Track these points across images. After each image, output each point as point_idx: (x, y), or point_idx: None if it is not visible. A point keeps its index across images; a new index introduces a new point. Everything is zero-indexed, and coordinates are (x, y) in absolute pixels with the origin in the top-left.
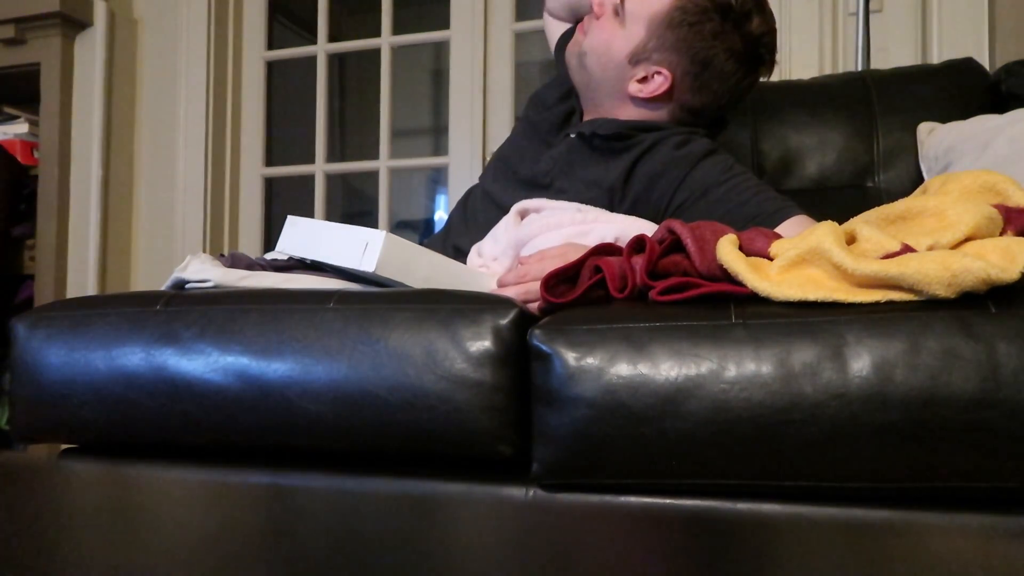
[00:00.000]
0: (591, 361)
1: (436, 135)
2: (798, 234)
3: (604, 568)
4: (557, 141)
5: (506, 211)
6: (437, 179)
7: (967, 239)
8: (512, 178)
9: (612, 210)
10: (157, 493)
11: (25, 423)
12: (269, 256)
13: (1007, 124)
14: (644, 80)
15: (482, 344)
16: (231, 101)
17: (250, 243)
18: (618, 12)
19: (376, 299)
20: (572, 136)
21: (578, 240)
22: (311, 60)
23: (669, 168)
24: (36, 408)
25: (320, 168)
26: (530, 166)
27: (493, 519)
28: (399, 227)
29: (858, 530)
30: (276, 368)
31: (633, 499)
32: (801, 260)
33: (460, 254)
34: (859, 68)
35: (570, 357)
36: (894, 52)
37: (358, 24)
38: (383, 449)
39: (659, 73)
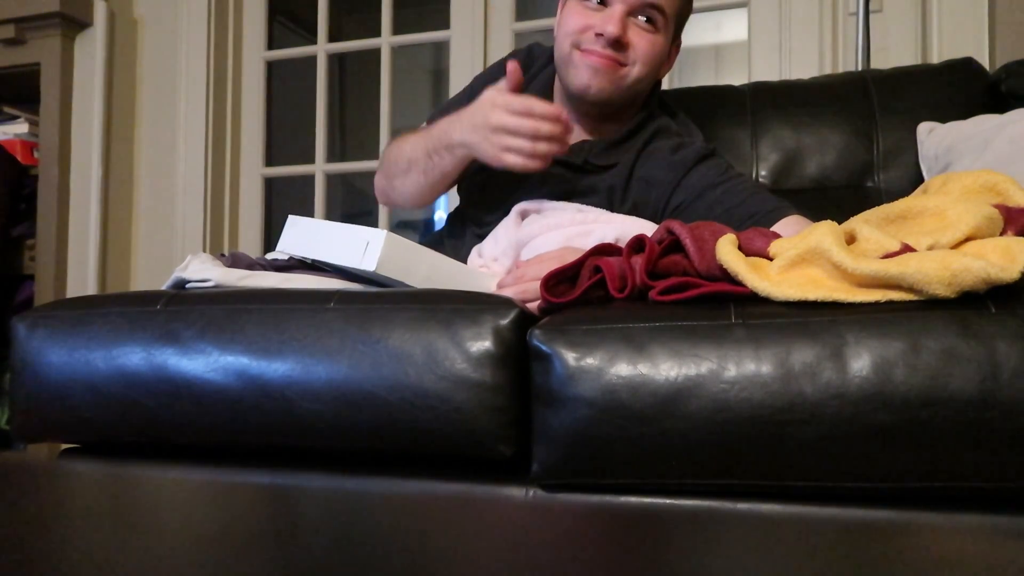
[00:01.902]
0: (591, 361)
1: None
2: (796, 233)
3: (604, 568)
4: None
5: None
6: None
7: (967, 239)
8: (504, 205)
9: (612, 211)
10: (157, 493)
11: (25, 423)
12: (270, 256)
13: (1007, 124)
14: (668, 57)
15: (482, 344)
16: (231, 101)
17: (250, 243)
18: (655, 27)
19: (376, 299)
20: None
21: (579, 240)
22: (311, 60)
23: (665, 172)
24: (36, 408)
25: (320, 168)
26: (520, 192)
27: (493, 519)
28: (399, 227)
29: (858, 530)
30: (276, 368)
31: (633, 499)
32: (801, 260)
33: None
34: (859, 68)
35: (570, 357)
36: (894, 52)
37: (358, 24)
38: (383, 449)
39: (675, 46)
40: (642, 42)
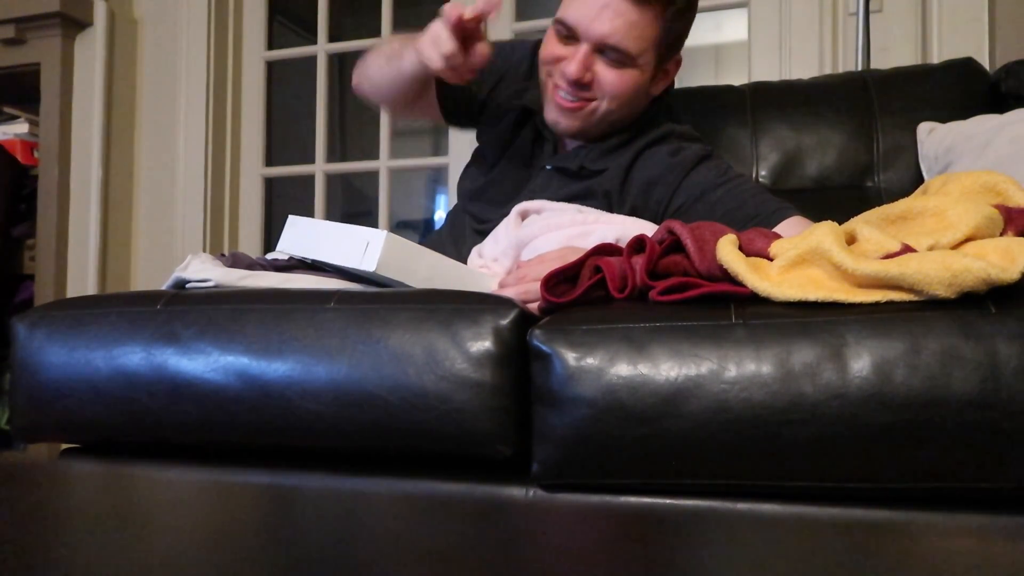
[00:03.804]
0: (591, 361)
1: (436, 135)
2: (797, 234)
3: (604, 568)
4: (534, 171)
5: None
6: (437, 179)
7: (967, 239)
8: (503, 207)
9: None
10: (157, 493)
11: (25, 423)
12: (270, 256)
13: (1007, 124)
14: (664, 75)
15: (482, 344)
16: (231, 101)
17: (250, 243)
18: (624, 63)
19: (377, 299)
20: (550, 168)
21: (579, 241)
22: (311, 60)
23: (665, 174)
24: (36, 408)
25: (320, 168)
26: (519, 198)
27: (493, 519)
28: (399, 227)
29: (858, 530)
30: (276, 368)
31: (633, 499)
32: (801, 260)
33: None
34: (859, 68)
35: (570, 357)
36: (894, 52)
37: (358, 24)
38: (383, 449)
39: (674, 61)
40: (608, 76)
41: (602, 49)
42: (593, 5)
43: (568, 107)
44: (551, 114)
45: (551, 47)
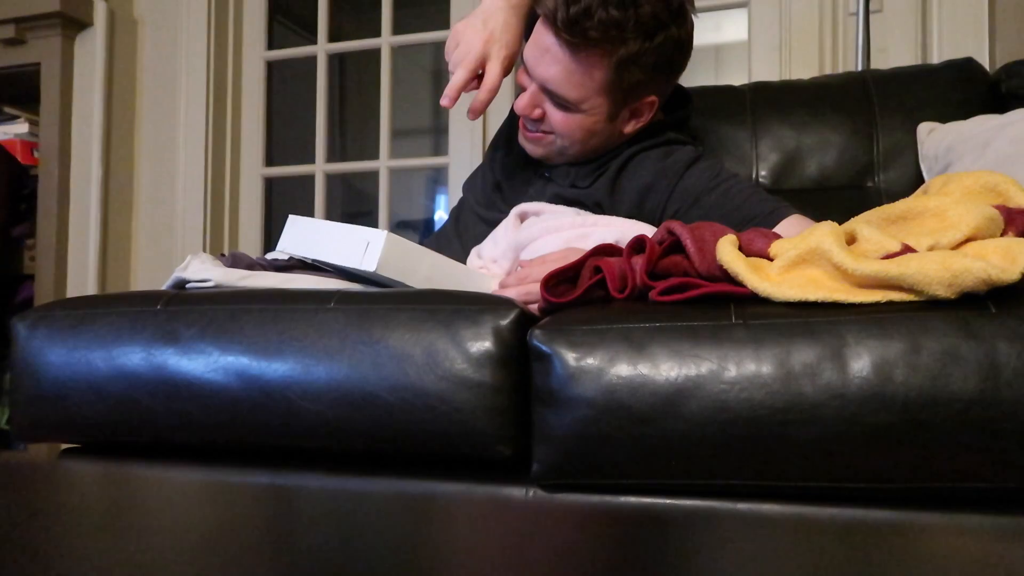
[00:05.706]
0: (591, 361)
1: (436, 135)
2: (797, 234)
3: (604, 568)
4: (536, 175)
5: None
6: (437, 179)
7: (968, 240)
8: (503, 206)
9: None
10: (157, 493)
11: (25, 423)
12: (270, 256)
13: (1007, 124)
14: (635, 114)
15: (483, 345)
16: (231, 101)
17: (250, 243)
18: (567, 107)
19: (377, 299)
20: (548, 175)
21: (578, 243)
22: (311, 60)
23: (657, 180)
24: (36, 408)
25: (320, 168)
26: (518, 198)
27: (493, 519)
28: (399, 227)
29: (858, 530)
30: (276, 368)
31: (633, 499)
32: (801, 260)
33: None
34: (859, 68)
35: (570, 357)
36: (894, 52)
37: (358, 24)
38: (383, 449)
39: (645, 103)
40: (555, 116)
41: (546, 91)
42: (539, 46)
43: (529, 136)
44: (521, 140)
45: (521, 76)
